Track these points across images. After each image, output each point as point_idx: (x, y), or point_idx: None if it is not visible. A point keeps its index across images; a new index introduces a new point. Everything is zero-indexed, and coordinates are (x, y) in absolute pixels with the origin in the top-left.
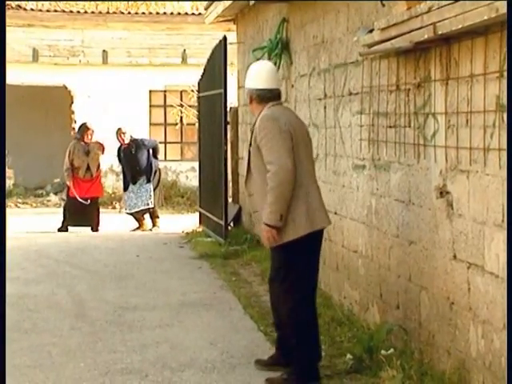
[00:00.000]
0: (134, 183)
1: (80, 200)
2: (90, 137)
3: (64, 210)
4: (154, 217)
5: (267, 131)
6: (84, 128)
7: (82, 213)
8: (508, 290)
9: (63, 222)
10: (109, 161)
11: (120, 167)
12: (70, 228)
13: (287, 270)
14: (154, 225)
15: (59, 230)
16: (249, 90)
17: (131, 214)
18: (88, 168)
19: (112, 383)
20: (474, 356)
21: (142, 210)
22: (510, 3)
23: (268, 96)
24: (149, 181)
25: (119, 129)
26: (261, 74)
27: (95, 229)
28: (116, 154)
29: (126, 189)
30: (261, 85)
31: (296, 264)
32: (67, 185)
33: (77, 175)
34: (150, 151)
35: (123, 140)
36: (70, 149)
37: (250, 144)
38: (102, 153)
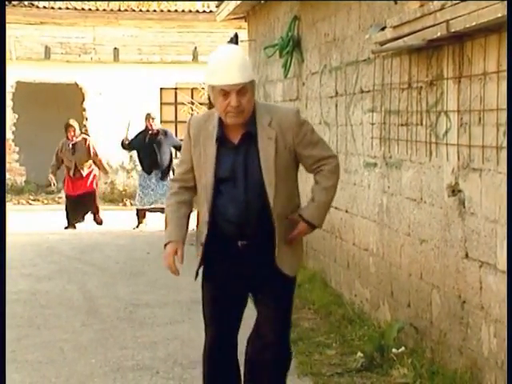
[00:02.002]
0: (149, 173)
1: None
2: (72, 134)
3: (66, 208)
4: None
5: (309, 125)
6: (65, 126)
7: (80, 208)
8: (508, 285)
9: (68, 220)
10: (119, 158)
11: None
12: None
13: (291, 308)
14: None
15: (66, 229)
16: (254, 81)
17: (149, 210)
18: (76, 167)
19: (123, 379)
20: (486, 355)
21: (158, 208)
22: (510, 3)
23: None
24: (164, 177)
25: (148, 114)
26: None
27: (98, 218)
28: (135, 137)
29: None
30: None
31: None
32: (63, 183)
33: (68, 174)
34: (172, 150)
35: (151, 126)
36: (58, 147)
37: (277, 153)
38: (88, 149)
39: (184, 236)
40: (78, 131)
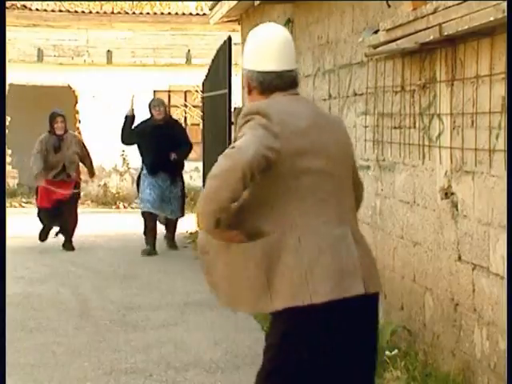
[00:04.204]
0: (154, 174)
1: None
2: (60, 125)
3: (41, 221)
4: (174, 228)
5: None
6: (51, 116)
7: (58, 214)
8: (508, 290)
9: (48, 228)
10: (112, 160)
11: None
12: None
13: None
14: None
15: (41, 239)
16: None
17: (154, 214)
18: (64, 169)
19: (116, 383)
20: (479, 357)
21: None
22: (510, 3)
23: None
24: (174, 181)
25: (153, 100)
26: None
27: (70, 235)
28: (136, 129)
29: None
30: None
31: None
32: (35, 191)
33: (46, 176)
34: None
35: (158, 113)
36: (41, 140)
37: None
38: (83, 148)
39: None
40: (66, 125)
